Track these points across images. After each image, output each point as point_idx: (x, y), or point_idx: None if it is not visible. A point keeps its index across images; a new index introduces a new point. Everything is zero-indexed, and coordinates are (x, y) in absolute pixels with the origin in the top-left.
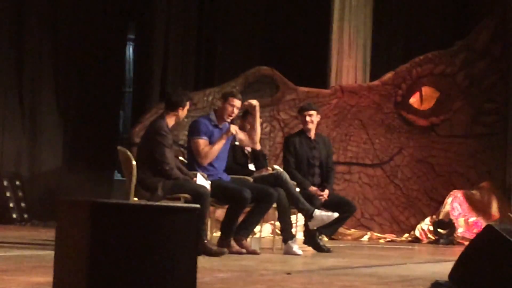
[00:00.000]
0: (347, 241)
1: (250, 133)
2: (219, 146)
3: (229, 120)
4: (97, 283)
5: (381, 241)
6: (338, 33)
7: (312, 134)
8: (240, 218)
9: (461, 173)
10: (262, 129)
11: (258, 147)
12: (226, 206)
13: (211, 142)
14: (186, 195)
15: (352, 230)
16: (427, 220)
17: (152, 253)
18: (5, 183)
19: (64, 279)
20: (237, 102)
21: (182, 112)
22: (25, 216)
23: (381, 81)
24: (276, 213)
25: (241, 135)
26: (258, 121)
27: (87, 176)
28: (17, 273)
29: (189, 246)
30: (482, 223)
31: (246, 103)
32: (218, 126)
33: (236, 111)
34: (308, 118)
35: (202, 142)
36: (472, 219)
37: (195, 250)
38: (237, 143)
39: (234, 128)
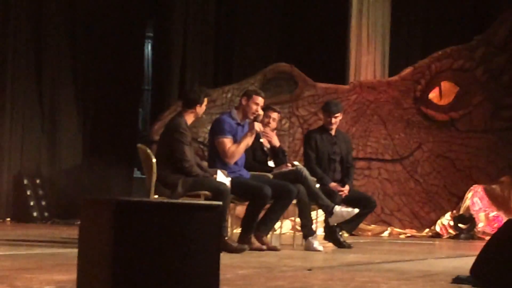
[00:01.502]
0: (367, 237)
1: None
2: (244, 144)
3: (252, 118)
4: (121, 281)
5: (402, 236)
6: (357, 28)
7: (333, 131)
8: (260, 215)
9: (481, 167)
10: (281, 125)
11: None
12: (246, 203)
13: (235, 141)
14: (206, 192)
15: (372, 226)
16: (448, 215)
17: (175, 251)
18: (25, 181)
19: (88, 278)
20: (261, 100)
21: (200, 109)
22: (46, 214)
23: (400, 77)
24: (296, 209)
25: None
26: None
27: (106, 174)
28: (38, 271)
29: (212, 243)
30: (503, 218)
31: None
32: (241, 124)
33: (260, 109)
34: (333, 120)
35: (228, 141)
36: (493, 213)
37: (218, 247)
38: (261, 140)
39: (258, 125)
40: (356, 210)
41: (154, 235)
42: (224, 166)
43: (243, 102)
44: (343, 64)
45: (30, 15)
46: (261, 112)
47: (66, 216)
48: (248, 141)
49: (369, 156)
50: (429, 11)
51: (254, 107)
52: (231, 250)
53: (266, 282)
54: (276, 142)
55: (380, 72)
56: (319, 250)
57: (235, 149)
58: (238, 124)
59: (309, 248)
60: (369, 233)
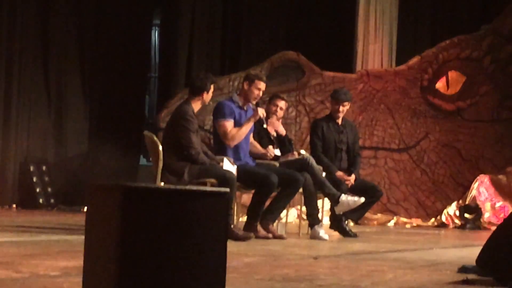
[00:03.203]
0: (373, 226)
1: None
2: (246, 128)
3: (254, 103)
4: (127, 267)
5: (407, 226)
6: (364, 17)
7: (339, 120)
8: (266, 203)
9: (488, 157)
10: (287, 113)
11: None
12: (253, 191)
13: (236, 123)
14: (213, 180)
15: (378, 215)
16: (454, 205)
17: (182, 237)
18: (31, 168)
19: (94, 264)
20: (263, 85)
21: (207, 96)
22: (52, 201)
23: (407, 66)
24: (302, 198)
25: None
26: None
27: (112, 161)
28: (44, 257)
29: (220, 230)
30: (509, 208)
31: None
32: (243, 108)
33: (261, 94)
34: (341, 108)
35: (228, 124)
36: (499, 203)
37: (225, 234)
38: (264, 126)
39: (261, 111)
40: (362, 199)
41: (161, 221)
42: (233, 152)
43: (245, 86)
44: (350, 53)
45: (37, 2)
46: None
47: (72, 202)
48: (251, 125)
49: (376, 145)
50: (437, 1)
51: (256, 91)
52: (237, 238)
53: (271, 270)
54: (282, 131)
55: (387, 61)
56: (324, 239)
57: (236, 132)
58: (240, 108)
59: (314, 236)
60: (375, 222)
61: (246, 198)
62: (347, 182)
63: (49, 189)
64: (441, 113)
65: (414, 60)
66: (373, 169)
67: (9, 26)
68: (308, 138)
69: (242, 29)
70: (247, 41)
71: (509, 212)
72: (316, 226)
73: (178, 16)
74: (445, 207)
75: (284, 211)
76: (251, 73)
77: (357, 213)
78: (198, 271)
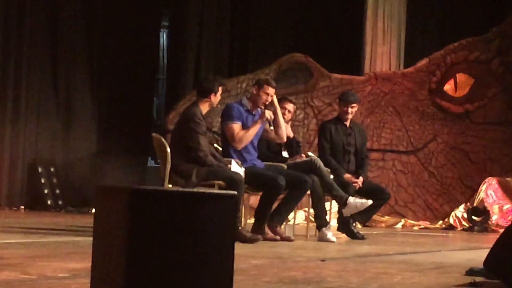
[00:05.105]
0: (381, 228)
1: (275, 130)
2: (253, 130)
3: (262, 107)
4: (135, 269)
5: (415, 228)
6: (372, 19)
7: (348, 122)
8: (274, 205)
9: (496, 160)
10: (295, 116)
11: (284, 139)
12: (260, 193)
13: (244, 127)
14: (221, 182)
15: (386, 217)
16: (461, 207)
17: (190, 240)
18: (40, 169)
19: (102, 266)
20: (272, 91)
21: (215, 98)
22: (60, 202)
23: (415, 68)
24: (310, 200)
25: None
26: (279, 112)
27: (121, 163)
28: (52, 259)
29: (227, 233)
30: None
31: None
32: (251, 112)
33: (270, 99)
34: (350, 110)
35: (236, 126)
36: (507, 206)
37: (232, 237)
38: (271, 128)
39: (269, 113)
40: (370, 202)
41: (169, 223)
42: (240, 154)
43: (254, 91)
44: (359, 55)
45: (46, 3)
46: (275, 100)
47: (80, 204)
48: (258, 127)
49: (384, 147)
50: (445, 3)
51: (264, 96)
52: (245, 240)
53: (279, 272)
54: (290, 133)
55: (396, 63)
56: (332, 241)
57: (243, 135)
58: (249, 112)
59: (322, 239)
60: (383, 225)
61: (254, 200)
62: (355, 185)
63: (57, 191)
64: (449, 116)
65: (422, 62)
66: (381, 171)
67: (18, 29)
68: (316, 140)
69: (251, 31)
70: (255, 43)
71: None
72: (323, 228)
73: (187, 18)
74: (453, 210)
75: (292, 213)
76: (261, 78)
77: (365, 215)
78: (206, 273)
